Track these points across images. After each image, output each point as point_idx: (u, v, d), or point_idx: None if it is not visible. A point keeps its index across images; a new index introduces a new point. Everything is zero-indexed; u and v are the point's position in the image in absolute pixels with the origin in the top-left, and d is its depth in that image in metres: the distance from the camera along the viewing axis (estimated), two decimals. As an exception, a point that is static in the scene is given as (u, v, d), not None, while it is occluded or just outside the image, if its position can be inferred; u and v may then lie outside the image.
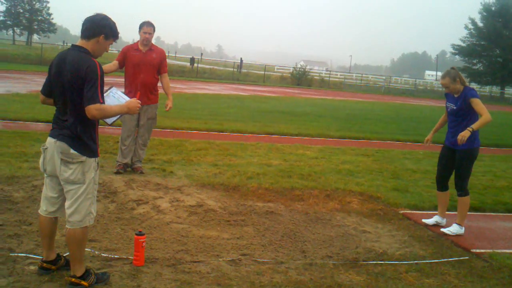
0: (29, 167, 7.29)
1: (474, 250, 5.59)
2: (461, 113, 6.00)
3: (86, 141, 3.85)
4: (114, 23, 3.98)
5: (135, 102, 4.03)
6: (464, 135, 5.73)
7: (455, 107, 6.07)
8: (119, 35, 4.18)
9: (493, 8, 62.21)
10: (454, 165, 6.18)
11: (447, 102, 6.25)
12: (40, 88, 4.12)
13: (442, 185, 6.39)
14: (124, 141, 7.41)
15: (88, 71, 3.71)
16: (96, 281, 3.95)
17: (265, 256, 4.93)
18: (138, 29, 7.43)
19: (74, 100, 3.77)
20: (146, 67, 7.35)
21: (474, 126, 5.79)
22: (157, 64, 7.46)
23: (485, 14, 62.58)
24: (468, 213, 6.58)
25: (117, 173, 7.38)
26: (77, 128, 3.81)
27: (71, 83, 3.74)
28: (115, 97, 4.14)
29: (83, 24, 3.89)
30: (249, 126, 14.59)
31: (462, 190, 6.13)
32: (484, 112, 5.84)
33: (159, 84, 7.62)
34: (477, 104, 5.89)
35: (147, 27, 7.35)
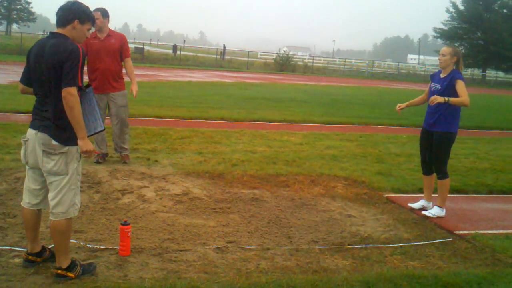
0: (12, 159, 7.23)
1: (457, 232, 5.67)
2: (445, 94, 6.00)
3: (68, 129, 3.80)
4: (86, 7, 3.96)
5: (89, 149, 3.86)
6: (437, 98, 5.77)
7: (439, 87, 6.08)
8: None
9: (473, -9, 62.53)
10: (433, 150, 6.23)
11: (432, 83, 6.26)
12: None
13: (427, 169, 6.44)
14: None
15: (70, 53, 3.69)
16: (82, 272, 3.94)
17: (251, 242, 4.95)
18: None
19: (54, 86, 3.72)
20: (107, 53, 7.28)
21: (452, 99, 5.83)
22: (117, 49, 7.38)
23: (466, -3, 62.91)
24: (451, 195, 6.67)
25: (97, 162, 7.37)
26: (58, 116, 3.76)
27: (52, 68, 3.68)
28: (90, 104, 4.05)
29: (56, 14, 3.86)
30: (234, 113, 14.56)
31: (441, 173, 6.20)
32: (465, 95, 5.88)
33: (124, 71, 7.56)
34: (462, 86, 5.92)
35: (94, 13, 7.24)
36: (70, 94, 3.65)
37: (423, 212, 6.26)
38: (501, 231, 5.83)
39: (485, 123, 16.49)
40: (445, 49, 6.12)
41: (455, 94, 5.96)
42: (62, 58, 3.67)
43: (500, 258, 4.96)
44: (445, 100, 5.75)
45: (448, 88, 6.00)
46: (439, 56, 6.17)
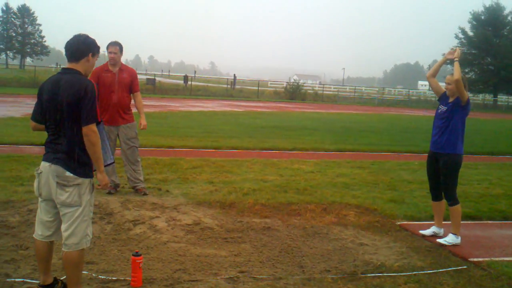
0: (25, 191, 7.28)
1: (472, 259, 5.59)
2: (450, 115, 6.10)
3: (81, 162, 3.87)
4: (95, 40, 4.11)
5: (108, 182, 4.10)
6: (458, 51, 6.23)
7: (445, 108, 6.16)
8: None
9: (482, 17, 62.87)
10: (441, 177, 6.21)
11: (440, 105, 6.32)
12: (33, 112, 4.13)
13: (436, 195, 6.41)
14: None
15: (88, 89, 3.81)
16: (94, 304, 3.93)
17: (263, 272, 4.92)
18: (106, 50, 7.46)
19: (70, 122, 3.80)
20: (118, 87, 7.40)
21: (457, 63, 6.06)
22: (128, 84, 7.51)
23: (474, 23, 63.22)
24: (465, 222, 6.60)
25: (109, 193, 7.40)
26: (72, 150, 3.84)
27: (68, 104, 3.77)
28: (101, 136, 4.06)
29: (68, 49, 3.95)
30: (244, 142, 14.61)
31: (451, 199, 6.16)
32: (460, 75, 5.98)
33: (132, 102, 7.69)
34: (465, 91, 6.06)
35: (112, 47, 7.40)
36: (92, 131, 3.79)
37: (438, 240, 6.19)
38: (516, 258, 5.75)
39: (497, 148, 16.38)
40: (449, 77, 6.17)
41: (456, 114, 6.09)
42: (79, 94, 3.77)
43: (516, 286, 4.88)
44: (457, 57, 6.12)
45: (453, 108, 6.11)
46: (445, 85, 6.23)
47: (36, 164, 4.64)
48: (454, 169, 6.16)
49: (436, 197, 6.43)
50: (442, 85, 6.41)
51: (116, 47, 7.41)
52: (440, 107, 6.32)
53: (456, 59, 6.10)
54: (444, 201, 6.38)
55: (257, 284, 4.62)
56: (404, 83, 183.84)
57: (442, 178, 6.20)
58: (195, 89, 49.18)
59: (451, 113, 6.11)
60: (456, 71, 5.99)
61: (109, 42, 7.48)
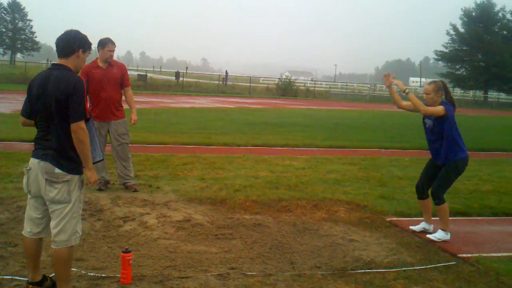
0: (14, 187, 7.24)
1: (461, 255, 5.63)
2: (439, 128, 6.04)
3: (71, 159, 3.86)
4: (86, 36, 4.07)
5: (96, 180, 4.07)
6: (399, 84, 6.35)
7: (431, 122, 6.12)
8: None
9: (473, 14, 63.13)
10: (438, 175, 6.19)
11: (425, 118, 6.26)
12: (23, 108, 4.11)
13: (421, 194, 6.42)
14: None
15: (76, 86, 3.79)
16: (83, 301, 3.92)
17: (254, 269, 4.92)
18: (97, 46, 7.36)
19: (59, 118, 3.78)
20: (109, 83, 7.37)
21: (410, 95, 6.24)
22: (118, 79, 7.49)
23: (465, 19, 63.49)
24: (455, 218, 6.65)
25: (99, 190, 7.38)
26: (62, 147, 3.82)
27: (57, 101, 3.75)
28: (90, 133, 4.04)
29: (58, 45, 3.94)
30: (236, 138, 14.60)
31: (437, 199, 6.14)
32: (429, 108, 5.95)
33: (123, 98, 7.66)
34: (434, 107, 5.97)
35: (112, 45, 7.37)
36: (80, 128, 3.77)
37: (428, 236, 6.22)
38: (505, 254, 5.80)
39: (487, 144, 16.45)
40: (427, 87, 6.12)
41: (446, 124, 5.98)
42: (68, 91, 3.74)
43: (504, 281, 4.92)
44: (405, 91, 6.27)
45: (439, 121, 6.02)
46: (424, 95, 6.18)
47: (26, 161, 4.62)
48: (454, 174, 6.12)
49: (421, 196, 6.44)
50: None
51: (114, 46, 7.41)
52: (426, 121, 6.26)
53: (407, 90, 6.07)
54: (430, 198, 6.37)
55: (247, 280, 4.62)
56: (396, 79, 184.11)
57: (439, 177, 6.15)
58: (186, 85, 49.04)
59: (440, 125, 6.03)
60: (415, 103, 6.03)
61: (101, 39, 7.42)
